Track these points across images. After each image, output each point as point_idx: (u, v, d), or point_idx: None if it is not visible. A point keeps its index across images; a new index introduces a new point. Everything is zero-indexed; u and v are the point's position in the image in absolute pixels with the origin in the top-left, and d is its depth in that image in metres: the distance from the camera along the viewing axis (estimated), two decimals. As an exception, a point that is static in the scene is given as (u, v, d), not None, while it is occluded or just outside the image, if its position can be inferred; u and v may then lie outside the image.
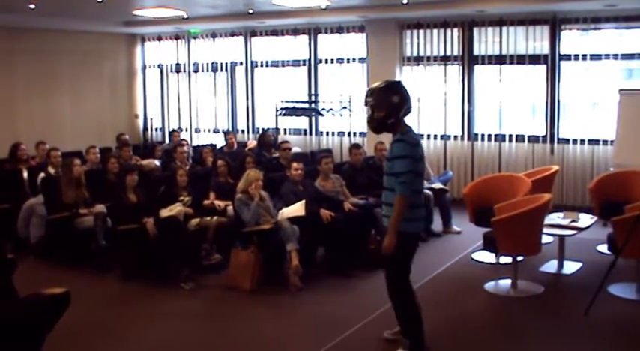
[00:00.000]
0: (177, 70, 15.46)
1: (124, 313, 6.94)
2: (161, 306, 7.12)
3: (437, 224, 10.04)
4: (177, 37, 15.26)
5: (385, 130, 5.42)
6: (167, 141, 14.67)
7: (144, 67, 16.00)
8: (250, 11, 12.36)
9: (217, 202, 8.81)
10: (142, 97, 16.08)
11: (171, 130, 14.67)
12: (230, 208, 8.46)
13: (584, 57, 11.32)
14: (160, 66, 15.76)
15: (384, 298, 5.76)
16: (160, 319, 6.72)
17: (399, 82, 5.62)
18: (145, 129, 16.05)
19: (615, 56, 11.12)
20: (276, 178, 8.96)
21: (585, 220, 8.17)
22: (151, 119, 16.02)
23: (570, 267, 8.15)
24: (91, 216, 8.50)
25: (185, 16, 12.46)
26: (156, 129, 16.01)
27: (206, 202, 8.84)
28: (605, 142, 11.14)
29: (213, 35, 14.76)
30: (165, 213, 8.19)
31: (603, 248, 8.28)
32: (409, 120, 5.42)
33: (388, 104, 5.25)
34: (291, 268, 7.41)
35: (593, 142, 11.33)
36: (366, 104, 5.38)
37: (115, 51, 15.51)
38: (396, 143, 5.27)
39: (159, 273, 7.86)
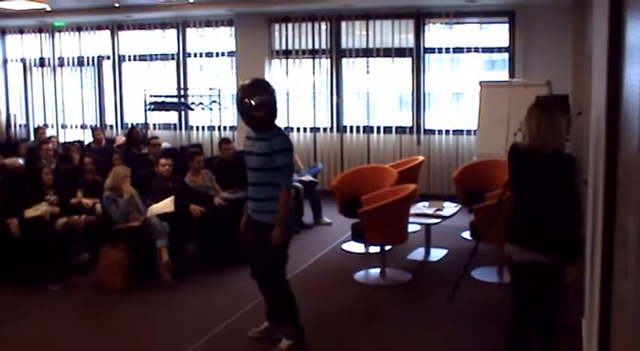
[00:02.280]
0: (42, 65, 14.94)
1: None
2: (27, 310, 6.92)
3: (307, 216, 10.15)
4: (40, 31, 14.75)
5: (266, 129, 5.44)
6: (32, 138, 14.19)
7: (5, 61, 15.38)
8: (116, 4, 12.11)
9: (85, 200, 8.61)
10: (4, 92, 15.46)
11: (36, 126, 14.25)
12: (98, 206, 8.30)
13: (447, 50, 11.71)
14: (22, 60, 15.18)
15: (254, 293, 5.85)
16: (25, 324, 6.54)
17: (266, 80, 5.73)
18: (8, 126, 15.42)
19: (477, 49, 11.56)
20: (144, 174, 8.85)
21: (450, 208, 8.47)
22: (14, 115, 15.43)
23: (436, 254, 8.43)
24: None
25: (48, 9, 12.09)
26: (19, 126, 15.43)
27: (73, 200, 8.61)
28: (468, 132, 11.54)
29: (79, 29, 14.36)
30: (30, 213, 7.94)
31: (467, 235, 8.55)
32: (280, 112, 5.50)
33: (270, 103, 5.35)
34: (162, 264, 7.37)
35: (458, 132, 11.72)
36: (244, 104, 5.33)
37: (-27, 45, 14.87)
38: (278, 137, 5.37)
39: (24, 275, 7.61)
